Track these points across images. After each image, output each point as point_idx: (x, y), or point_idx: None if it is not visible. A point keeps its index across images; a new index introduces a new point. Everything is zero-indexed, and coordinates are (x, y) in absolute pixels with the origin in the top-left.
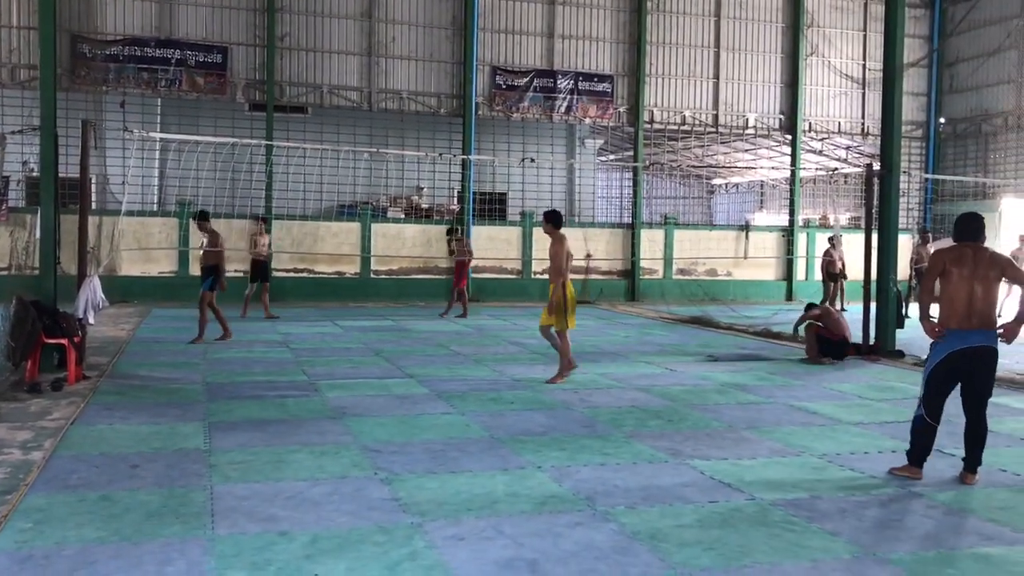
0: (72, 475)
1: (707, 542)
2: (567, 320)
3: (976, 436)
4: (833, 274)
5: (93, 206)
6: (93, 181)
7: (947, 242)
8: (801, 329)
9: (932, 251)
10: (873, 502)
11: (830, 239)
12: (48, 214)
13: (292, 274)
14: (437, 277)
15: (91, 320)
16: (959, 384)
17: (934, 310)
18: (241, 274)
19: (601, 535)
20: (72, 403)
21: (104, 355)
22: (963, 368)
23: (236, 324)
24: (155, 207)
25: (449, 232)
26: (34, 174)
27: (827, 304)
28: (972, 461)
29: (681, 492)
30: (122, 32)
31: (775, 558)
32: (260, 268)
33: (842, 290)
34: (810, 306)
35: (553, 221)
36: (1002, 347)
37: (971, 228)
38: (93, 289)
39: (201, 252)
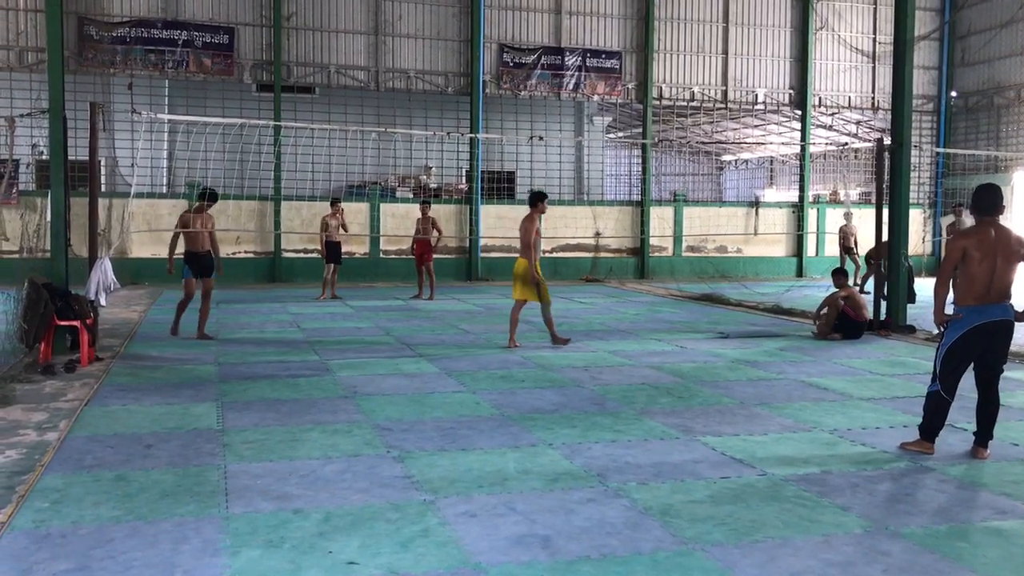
0: (87, 455)
1: (719, 517)
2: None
3: (989, 411)
4: (849, 248)
5: (103, 188)
6: (102, 163)
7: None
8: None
9: (952, 236)
10: (885, 477)
11: (845, 214)
12: (58, 197)
13: (302, 255)
14: (447, 256)
15: (103, 302)
16: (976, 359)
17: (947, 301)
18: (313, 255)
19: (613, 511)
20: (86, 384)
21: (116, 337)
22: (981, 343)
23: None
24: (164, 189)
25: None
26: (44, 157)
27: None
28: (984, 435)
29: (693, 468)
30: (129, 14)
31: (787, 533)
32: (334, 250)
33: (858, 266)
34: (836, 272)
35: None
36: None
37: (994, 201)
38: (104, 271)
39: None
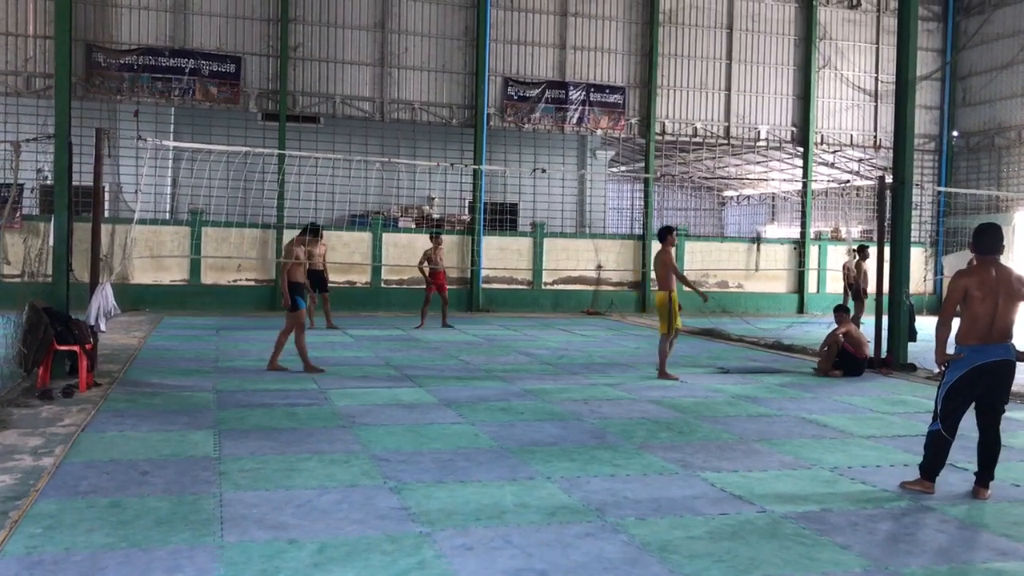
0: (82, 481)
1: (717, 554)
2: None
3: (990, 451)
4: (853, 287)
5: (106, 214)
6: (106, 189)
7: (963, 256)
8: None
9: (952, 276)
10: (885, 516)
11: (854, 250)
12: (61, 222)
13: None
14: (448, 287)
15: (103, 327)
16: (978, 398)
17: (950, 340)
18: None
19: (611, 546)
20: (83, 410)
21: (115, 362)
22: (983, 383)
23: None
24: (167, 215)
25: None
26: (48, 182)
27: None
28: (985, 475)
29: (691, 504)
30: (136, 42)
31: (785, 571)
32: (317, 278)
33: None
34: (839, 308)
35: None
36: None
37: (995, 241)
38: (105, 296)
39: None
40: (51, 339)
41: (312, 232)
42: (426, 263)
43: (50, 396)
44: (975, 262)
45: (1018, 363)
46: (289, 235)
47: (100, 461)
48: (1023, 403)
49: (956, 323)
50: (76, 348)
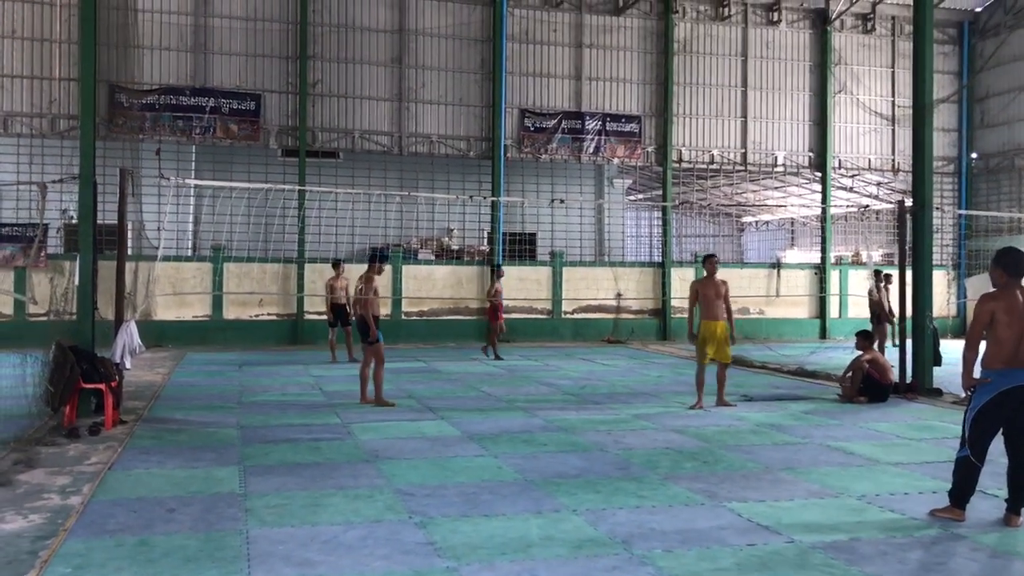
0: (110, 520)
1: None
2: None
3: (1020, 476)
4: (876, 314)
5: (129, 252)
6: (130, 227)
7: (985, 279)
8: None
9: (979, 299)
10: (915, 544)
11: (879, 274)
12: (86, 260)
13: (325, 316)
14: (468, 318)
15: (128, 365)
16: (1005, 424)
17: (976, 365)
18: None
19: None
20: (109, 448)
21: (140, 399)
22: (1010, 407)
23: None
24: (190, 252)
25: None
26: (73, 221)
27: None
28: (1016, 502)
29: (718, 535)
30: (158, 81)
31: None
32: (340, 313)
33: (883, 333)
34: (862, 333)
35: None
36: None
37: (1020, 263)
38: (130, 334)
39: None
40: (77, 377)
41: (382, 260)
42: (495, 295)
43: (77, 434)
44: (996, 284)
45: None
46: (311, 269)
47: (127, 499)
48: None
49: (983, 347)
50: (102, 386)
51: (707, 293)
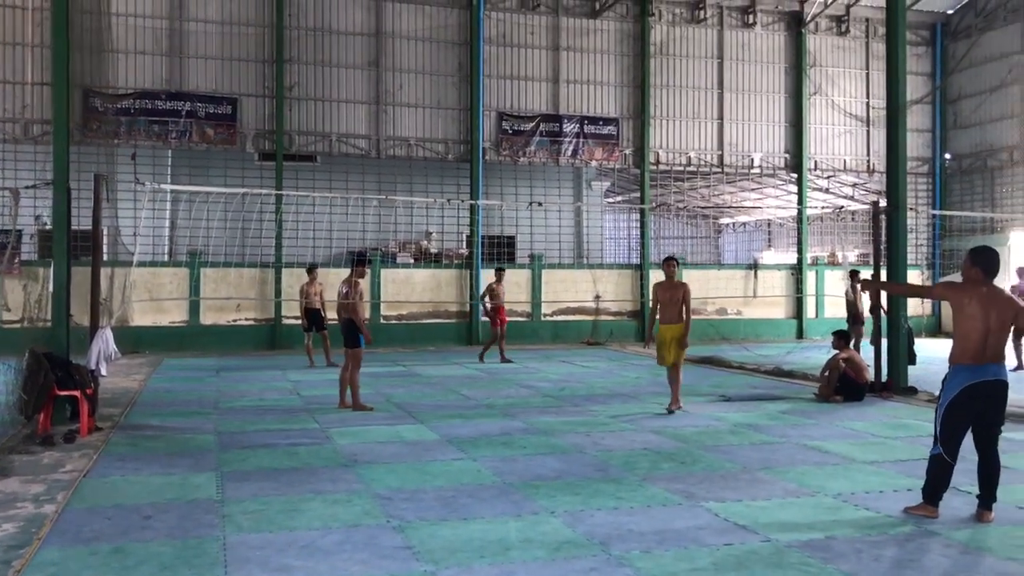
0: (85, 528)
1: None
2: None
3: (990, 473)
4: (852, 314)
5: (105, 257)
6: (105, 233)
7: (960, 279)
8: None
9: (941, 283)
10: (889, 542)
11: (855, 275)
12: (61, 267)
13: (302, 321)
14: (447, 321)
15: (103, 371)
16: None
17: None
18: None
19: None
20: (85, 455)
21: (116, 406)
22: (978, 403)
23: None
24: (166, 257)
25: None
26: (47, 227)
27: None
28: (987, 498)
29: (696, 535)
30: (133, 86)
31: None
32: (314, 317)
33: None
34: (838, 333)
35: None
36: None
37: (997, 264)
38: (105, 340)
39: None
40: (52, 385)
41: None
42: (487, 297)
43: (51, 442)
44: (968, 279)
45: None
46: (289, 274)
47: (103, 507)
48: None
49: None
50: (77, 393)
51: (663, 297)
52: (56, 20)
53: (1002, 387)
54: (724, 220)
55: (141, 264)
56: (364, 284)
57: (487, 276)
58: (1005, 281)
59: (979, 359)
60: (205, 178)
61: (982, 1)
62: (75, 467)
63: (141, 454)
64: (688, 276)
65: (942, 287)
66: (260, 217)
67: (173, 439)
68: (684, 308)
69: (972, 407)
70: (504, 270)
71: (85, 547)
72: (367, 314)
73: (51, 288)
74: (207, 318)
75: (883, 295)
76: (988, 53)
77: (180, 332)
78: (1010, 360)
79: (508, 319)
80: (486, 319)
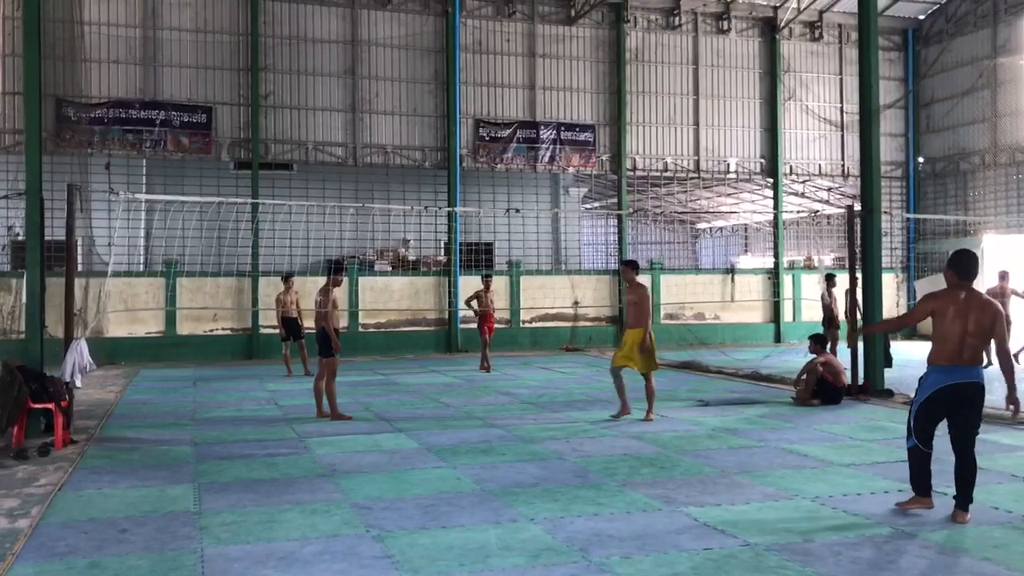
0: (60, 542)
1: None
2: (654, 362)
3: (966, 473)
4: (830, 318)
5: (79, 268)
6: (79, 243)
7: (935, 280)
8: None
9: (922, 297)
10: (867, 544)
11: (831, 278)
12: (34, 278)
13: (280, 330)
14: (426, 329)
15: (78, 383)
16: (946, 420)
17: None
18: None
19: None
20: (60, 468)
21: (92, 418)
22: (951, 403)
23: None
24: (141, 267)
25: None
26: (19, 238)
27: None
28: (963, 499)
29: (675, 540)
30: (107, 95)
31: None
32: (291, 326)
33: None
34: (814, 337)
35: (635, 268)
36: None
37: (974, 267)
38: (80, 352)
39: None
40: (25, 397)
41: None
42: (475, 302)
43: (25, 455)
44: (948, 283)
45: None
46: (266, 283)
47: (78, 521)
48: (1000, 425)
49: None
50: (51, 406)
51: (627, 301)
52: (27, 29)
53: (978, 389)
54: (701, 225)
55: (116, 274)
56: (339, 292)
57: (465, 283)
58: (982, 285)
59: (955, 361)
60: (180, 187)
61: (953, 6)
62: (50, 481)
63: (117, 467)
64: (666, 281)
65: (921, 307)
66: (236, 226)
67: (149, 451)
68: (644, 312)
69: (944, 406)
70: (491, 277)
71: (60, 561)
72: (344, 323)
73: (24, 299)
74: (184, 328)
75: (835, 305)
76: (959, 58)
77: (156, 343)
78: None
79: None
80: (474, 325)
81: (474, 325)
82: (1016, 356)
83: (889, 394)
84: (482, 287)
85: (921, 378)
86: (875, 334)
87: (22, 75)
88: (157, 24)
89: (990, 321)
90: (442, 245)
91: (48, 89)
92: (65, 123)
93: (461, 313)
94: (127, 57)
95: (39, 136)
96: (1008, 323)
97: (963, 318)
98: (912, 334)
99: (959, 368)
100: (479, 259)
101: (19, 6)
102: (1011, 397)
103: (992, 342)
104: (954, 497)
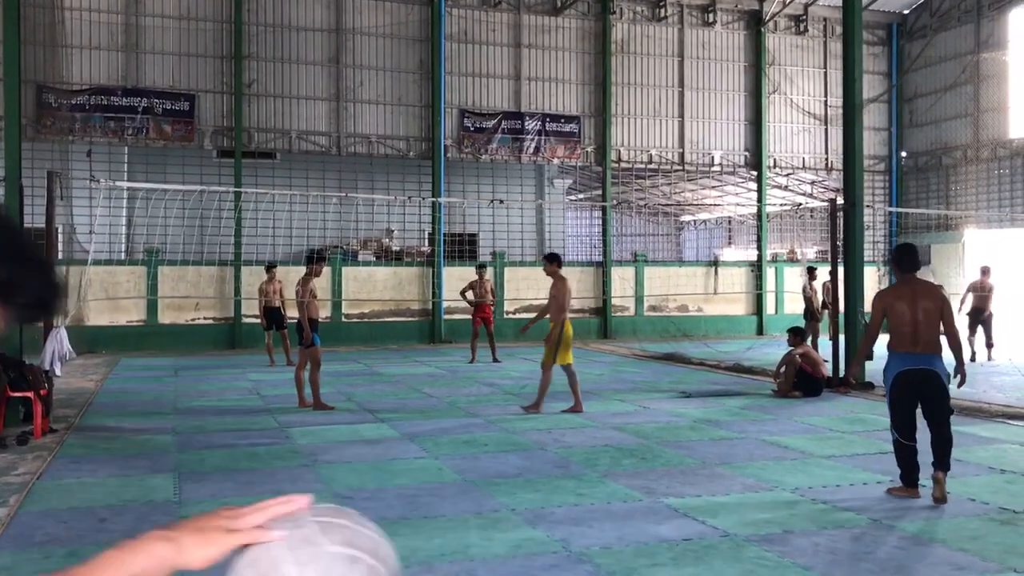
0: (38, 531)
1: None
2: (558, 355)
3: (941, 443)
4: (811, 311)
5: (59, 256)
6: (59, 231)
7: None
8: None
9: (874, 297)
10: (845, 535)
11: (812, 271)
12: None
13: (260, 320)
14: (410, 319)
15: (58, 372)
16: (919, 404)
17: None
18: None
19: None
20: (38, 457)
21: (72, 407)
22: (914, 388)
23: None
24: (123, 256)
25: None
26: None
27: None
28: (940, 463)
29: (655, 530)
30: (88, 81)
31: None
32: (273, 316)
33: (815, 328)
34: (793, 330)
35: (556, 261)
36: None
37: (914, 260)
38: (60, 340)
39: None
40: (4, 386)
41: (319, 260)
42: (470, 292)
43: (3, 444)
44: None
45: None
46: (248, 272)
47: (57, 510)
48: (977, 418)
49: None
50: (30, 394)
51: (549, 294)
52: (6, 14)
53: (935, 377)
54: (685, 217)
55: (97, 263)
56: (318, 282)
57: (449, 274)
58: (964, 280)
59: (911, 347)
60: (162, 175)
61: (936, 2)
62: (28, 470)
63: (97, 456)
64: (649, 273)
65: (875, 307)
66: (219, 215)
67: (130, 440)
68: (557, 305)
69: (909, 392)
70: (485, 267)
71: (38, 551)
72: (327, 312)
73: None
74: (165, 317)
75: (815, 298)
76: (942, 53)
77: (138, 331)
78: (977, 351)
79: (470, 317)
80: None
81: (463, 316)
82: (989, 348)
83: (869, 386)
84: (475, 277)
85: (884, 368)
86: (856, 329)
87: (1, 61)
88: (140, 10)
89: (937, 305)
90: (426, 235)
91: (28, 75)
92: (46, 109)
93: (445, 304)
94: (109, 43)
95: (19, 123)
96: (989, 317)
97: (912, 307)
98: None
99: (914, 355)
100: (463, 250)
101: None
102: (959, 369)
103: (942, 326)
104: (932, 464)
